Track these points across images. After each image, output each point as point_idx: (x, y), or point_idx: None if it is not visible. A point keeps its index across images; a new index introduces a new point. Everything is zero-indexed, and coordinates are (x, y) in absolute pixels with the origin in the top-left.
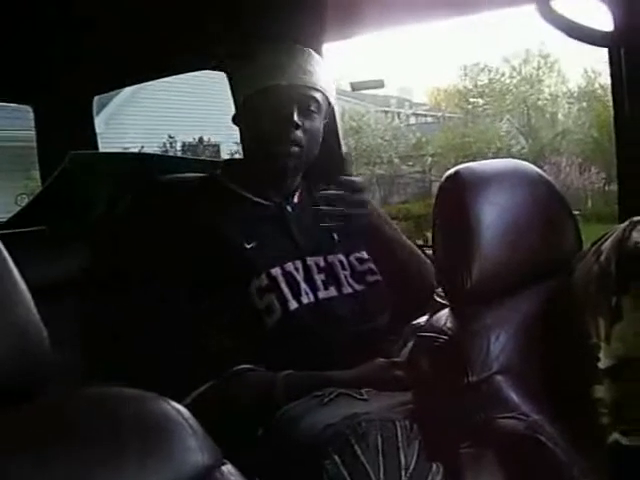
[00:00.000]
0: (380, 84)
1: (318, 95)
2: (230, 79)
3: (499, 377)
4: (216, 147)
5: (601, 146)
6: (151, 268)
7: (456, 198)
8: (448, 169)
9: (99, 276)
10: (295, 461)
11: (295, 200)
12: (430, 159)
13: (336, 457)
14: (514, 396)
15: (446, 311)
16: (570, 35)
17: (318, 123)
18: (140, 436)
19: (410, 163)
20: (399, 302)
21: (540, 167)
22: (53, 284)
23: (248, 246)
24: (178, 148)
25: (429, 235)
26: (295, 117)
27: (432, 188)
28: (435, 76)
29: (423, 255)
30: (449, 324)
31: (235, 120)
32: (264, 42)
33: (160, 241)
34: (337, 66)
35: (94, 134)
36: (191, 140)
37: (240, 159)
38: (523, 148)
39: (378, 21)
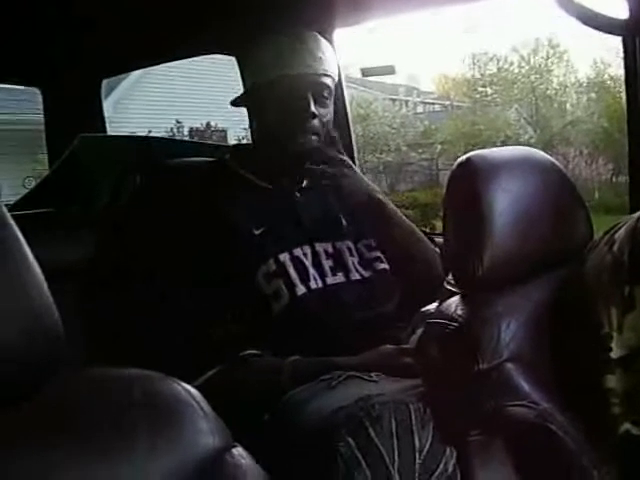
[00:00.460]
0: (391, 70)
1: (329, 81)
2: (240, 63)
3: (509, 365)
4: (223, 132)
5: (610, 137)
6: (158, 254)
7: (468, 185)
8: (456, 157)
9: (104, 263)
10: (305, 444)
11: (304, 186)
12: (439, 147)
13: (350, 440)
14: (524, 384)
15: (456, 298)
16: (585, 23)
17: (331, 109)
18: (150, 417)
19: (420, 151)
20: (407, 289)
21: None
22: (57, 270)
23: (257, 232)
24: (185, 133)
25: (436, 223)
26: (312, 107)
27: (440, 177)
28: (443, 64)
29: (430, 242)
30: (459, 311)
31: (240, 103)
32: (275, 28)
33: (167, 226)
34: (346, 52)
35: (102, 117)
36: (198, 125)
37: (249, 144)
38: (531, 138)
39: (388, 7)
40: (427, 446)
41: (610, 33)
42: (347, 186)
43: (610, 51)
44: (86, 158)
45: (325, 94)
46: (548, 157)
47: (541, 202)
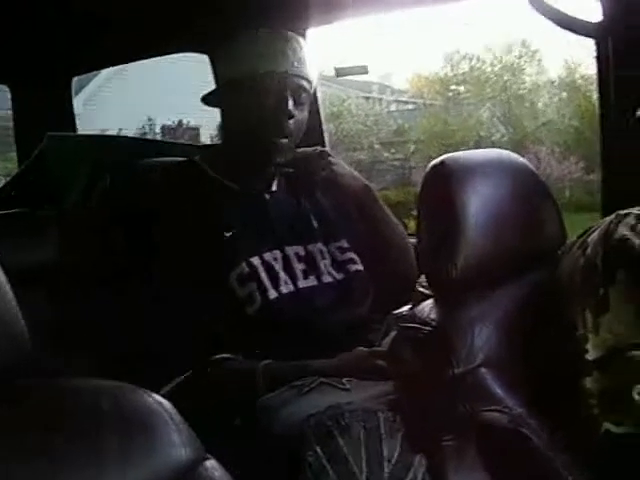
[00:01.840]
0: (364, 70)
1: (308, 85)
2: (212, 61)
3: (483, 370)
4: (196, 130)
5: (581, 136)
6: (127, 255)
7: (442, 187)
8: (429, 156)
9: (71, 265)
10: (274, 452)
11: (274, 188)
12: (413, 147)
13: (318, 449)
14: (498, 389)
15: (430, 302)
16: (560, 25)
17: (305, 113)
18: (120, 429)
19: (392, 150)
20: (381, 290)
21: (520, 156)
22: (26, 271)
23: (227, 234)
24: (157, 131)
25: (407, 222)
26: (290, 107)
27: (412, 175)
28: (417, 63)
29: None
30: (433, 315)
31: (212, 100)
32: (247, 26)
33: (137, 228)
34: (319, 51)
35: (73, 116)
36: (170, 123)
37: (220, 145)
38: (503, 136)
39: (361, 7)
40: (396, 455)
41: (583, 35)
42: (325, 179)
43: (581, 51)
44: (55, 158)
45: (303, 97)
46: (521, 159)
47: (514, 204)
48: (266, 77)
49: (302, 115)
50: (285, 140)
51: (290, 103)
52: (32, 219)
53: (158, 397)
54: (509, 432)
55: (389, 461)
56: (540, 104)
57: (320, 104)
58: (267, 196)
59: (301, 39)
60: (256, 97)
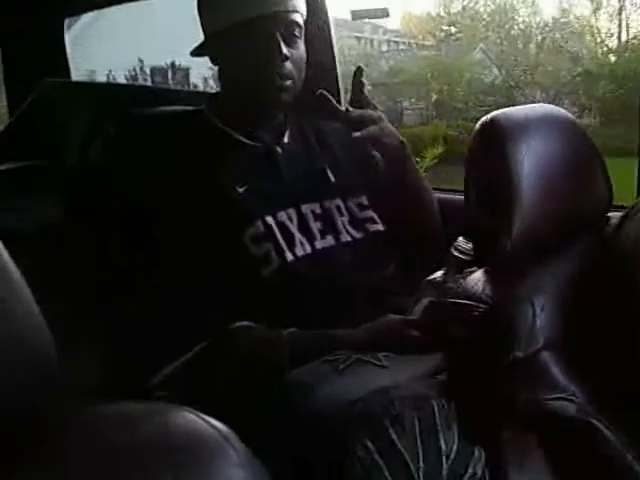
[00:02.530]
0: (385, 13)
1: (299, 18)
2: (199, 7)
3: (545, 352)
4: (185, 71)
5: (573, 79)
6: (134, 214)
7: (493, 148)
8: (420, 97)
9: (76, 225)
10: (313, 439)
11: (285, 140)
12: (402, 88)
13: (369, 443)
14: (561, 375)
15: (479, 274)
16: None
17: (302, 48)
18: (174, 464)
19: (384, 90)
20: (406, 251)
21: (514, 98)
22: (22, 233)
23: (240, 190)
24: (147, 72)
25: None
26: (283, 49)
27: (403, 117)
28: (409, 2)
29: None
30: (488, 290)
31: (200, 54)
32: None
33: (147, 184)
34: None
35: (66, 60)
36: (162, 64)
37: (224, 93)
38: (496, 78)
39: None
40: (454, 448)
41: None
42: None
43: None
44: (50, 105)
45: (296, 33)
46: (568, 114)
47: (565, 165)
48: (251, 24)
49: (298, 53)
50: (287, 82)
51: (282, 44)
52: (29, 175)
53: (214, 421)
54: (576, 423)
55: (447, 456)
56: (532, 45)
57: (335, 46)
58: (279, 149)
59: None
60: (245, 46)
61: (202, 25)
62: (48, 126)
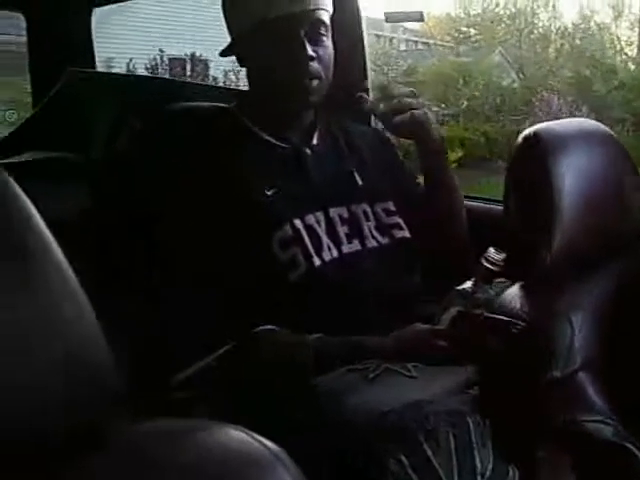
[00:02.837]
0: (420, 17)
1: (325, 15)
2: (224, 8)
3: (583, 372)
4: (205, 63)
5: (592, 86)
6: (162, 213)
7: (537, 162)
8: (437, 97)
9: (102, 220)
10: (344, 448)
11: (314, 141)
12: (419, 87)
13: (403, 458)
14: (599, 395)
15: (516, 289)
16: None
17: (330, 46)
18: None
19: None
20: (432, 258)
21: (531, 103)
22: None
23: (269, 192)
24: (166, 62)
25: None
26: (308, 49)
27: None
28: (429, 2)
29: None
30: (526, 306)
31: (227, 54)
32: None
33: (174, 180)
34: None
35: (92, 50)
36: (182, 55)
37: (252, 92)
38: (514, 82)
39: None
40: (489, 467)
41: None
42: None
43: None
44: (77, 96)
45: (322, 31)
46: (608, 130)
47: (605, 179)
48: (275, 23)
49: (325, 52)
50: (315, 82)
51: (307, 44)
52: (55, 167)
53: (265, 440)
54: (612, 446)
55: (482, 475)
56: (551, 50)
57: (366, 46)
58: (308, 151)
59: None
60: (270, 47)
61: (228, 26)
62: (74, 117)
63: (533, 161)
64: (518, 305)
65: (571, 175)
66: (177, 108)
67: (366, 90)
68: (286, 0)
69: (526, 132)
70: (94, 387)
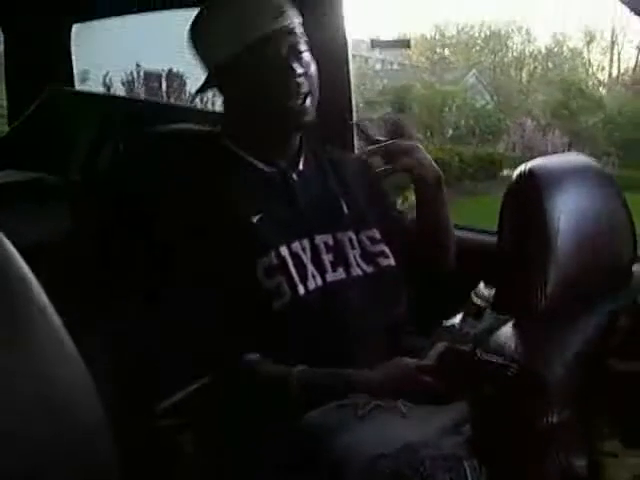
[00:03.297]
0: (406, 44)
1: (300, 31)
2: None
3: (575, 417)
4: (181, 78)
5: (566, 110)
6: (145, 237)
7: (531, 199)
8: (411, 116)
9: (83, 240)
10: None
11: (301, 167)
12: (394, 107)
13: None
14: (590, 438)
15: (509, 329)
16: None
17: (313, 62)
18: None
19: (376, 109)
20: (416, 288)
21: (506, 126)
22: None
23: (255, 218)
24: (142, 76)
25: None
26: (295, 66)
27: None
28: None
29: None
30: (520, 348)
31: (206, 89)
32: None
33: (158, 204)
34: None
35: (71, 68)
36: (157, 69)
37: (238, 115)
38: (488, 104)
39: None
40: None
41: None
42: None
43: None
44: (57, 114)
45: (303, 46)
46: (599, 166)
47: (598, 215)
48: (254, 48)
49: (310, 67)
50: (308, 100)
51: (294, 64)
52: (33, 188)
53: None
54: None
55: None
56: (524, 73)
57: (352, 75)
58: (295, 176)
59: None
60: (253, 72)
61: (202, 59)
62: (52, 135)
63: (527, 198)
64: (512, 347)
65: (565, 212)
66: (162, 131)
67: (350, 114)
68: (263, 20)
69: (520, 169)
70: (82, 442)
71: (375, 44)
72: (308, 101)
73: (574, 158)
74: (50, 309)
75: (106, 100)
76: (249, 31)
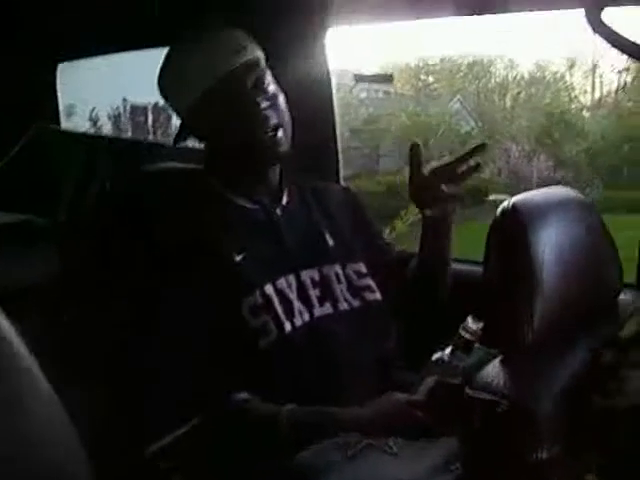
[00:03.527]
0: (389, 79)
1: (261, 62)
2: (165, 93)
3: (563, 452)
4: (166, 111)
5: (549, 134)
6: (130, 277)
7: (515, 234)
8: (397, 145)
9: (70, 285)
10: None
11: (284, 201)
12: (381, 134)
13: None
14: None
15: (497, 365)
16: (620, 49)
17: (280, 93)
18: None
19: (362, 137)
20: (404, 322)
21: (491, 151)
22: (16, 291)
23: (238, 258)
24: (129, 110)
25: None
26: (261, 100)
27: (380, 163)
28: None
29: None
30: (508, 383)
31: (185, 136)
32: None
33: (139, 247)
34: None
35: (57, 106)
36: (143, 102)
37: (218, 156)
38: (473, 129)
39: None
40: None
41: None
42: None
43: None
44: (43, 154)
45: (267, 79)
46: (585, 198)
47: (583, 247)
48: (223, 83)
49: (277, 99)
50: (280, 134)
51: (259, 98)
52: (19, 231)
53: None
54: None
55: None
56: (508, 99)
57: (336, 110)
58: (278, 211)
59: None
60: (224, 109)
61: (174, 107)
62: (38, 175)
63: (511, 233)
64: (501, 382)
65: (549, 245)
66: (147, 170)
67: (335, 143)
68: (224, 58)
69: (504, 204)
70: None
71: (358, 78)
72: (280, 133)
73: (557, 191)
74: (35, 368)
75: (92, 139)
76: (211, 71)
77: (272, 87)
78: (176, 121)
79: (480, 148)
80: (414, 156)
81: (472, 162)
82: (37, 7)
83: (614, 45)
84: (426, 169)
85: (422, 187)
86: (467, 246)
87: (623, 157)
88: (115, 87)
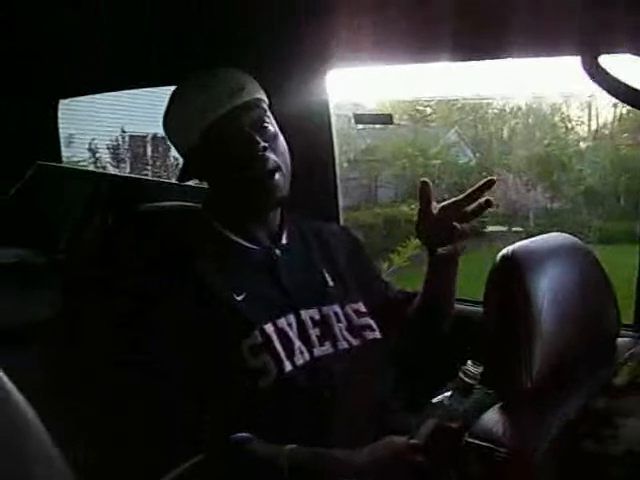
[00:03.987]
0: (389, 120)
1: (263, 104)
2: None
3: None
4: (165, 142)
5: (547, 165)
6: (130, 316)
7: (515, 281)
8: (395, 177)
9: (69, 323)
10: None
11: (284, 240)
12: (379, 165)
13: None
14: None
15: (497, 413)
16: (618, 97)
17: (280, 135)
18: None
19: (360, 168)
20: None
21: None
22: (17, 330)
23: (238, 298)
24: (127, 141)
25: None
26: (259, 141)
27: (378, 195)
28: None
29: None
30: (508, 431)
31: (187, 176)
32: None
33: (140, 287)
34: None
35: (58, 142)
36: (142, 133)
37: (219, 197)
38: (470, 161)
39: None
40: None
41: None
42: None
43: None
44: (45, 190)
45: (267, 120)
46: (582, 244)
47: (582, 292)
48: (221, 123)
49: (277, 140)
50: (277, 176)
51: (257, 137)
52: (20, 270)
53: None
54: None
55: None
56: (505, 130)
57: (336, 149)
58: (278, 252)
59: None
60: (223, 149)
61: (176, 147)
62: (38, 213)
63: (510, 280)
64: (501, 431)
65: (548, 291)
66: (149, 209)
67: (334, 174)
68: (223, 99)
69: (504, 251)
70: None
71: (358, 119)
72: (277, 176)
73: (554, 238)
74: (49, 443)
75: (93, 175)
76: (210, 112)
77: (272, 128)
78: (175, 152)
79: (488, 184)
80: (424, 194)
81: (482, 200)
82: (41, 51)
83: (610, 93)
84: (435, 207)
85: (432, 226)
86: (465, 278)
87: (620, 188)
88: (114, 119)
